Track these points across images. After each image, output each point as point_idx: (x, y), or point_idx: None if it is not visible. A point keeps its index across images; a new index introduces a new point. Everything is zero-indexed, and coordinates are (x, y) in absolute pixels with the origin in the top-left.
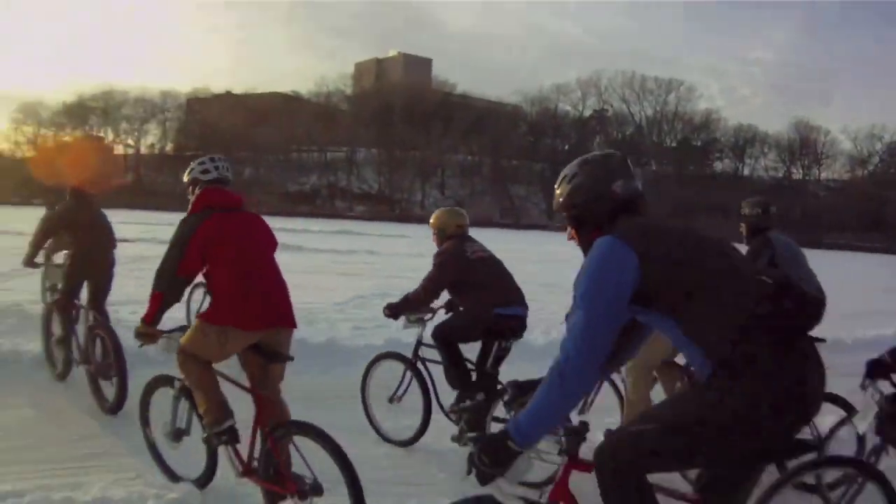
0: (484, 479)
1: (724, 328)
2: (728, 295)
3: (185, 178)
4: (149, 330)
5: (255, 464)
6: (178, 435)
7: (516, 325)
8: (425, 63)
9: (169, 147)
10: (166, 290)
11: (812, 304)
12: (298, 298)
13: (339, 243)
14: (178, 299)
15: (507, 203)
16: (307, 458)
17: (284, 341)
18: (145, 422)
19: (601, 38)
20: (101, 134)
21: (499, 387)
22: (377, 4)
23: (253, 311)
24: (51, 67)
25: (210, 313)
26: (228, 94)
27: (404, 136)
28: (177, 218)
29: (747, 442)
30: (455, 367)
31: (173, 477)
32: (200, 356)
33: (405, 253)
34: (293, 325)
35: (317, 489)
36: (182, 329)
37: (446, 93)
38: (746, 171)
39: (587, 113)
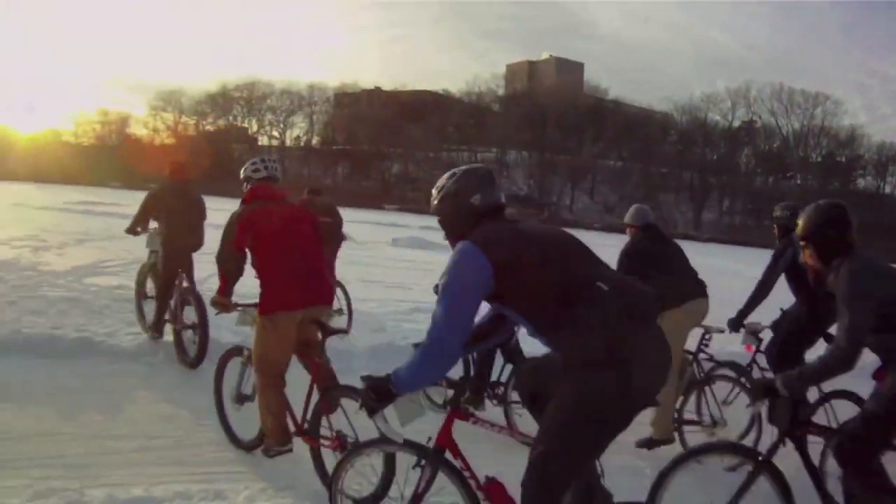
0: (370, 411)
1: (563, 321)
2: (567, 292)
3: (241, 175)
4: (223, 300)
5: (307, 425)
6: (241, 399)
7: None
8: (577, 67)
9: (315, 140)
10: (227, 267)
11: (645, 300)
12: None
13: None
14: (240, 273)
15: (656, 211)
16: (351, 419)
17: (326, 316)
18: (218, 387)
19: (749, 48)
20: (245, 125)
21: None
22: (528, 7)
23: (293, 292)
24: (191, 57)
25: (261, 306)
26: (377, 90)
27: (556, 140)
28: None
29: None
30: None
31: (234, 439)
32: (272, 357)
33: None
34: (330, 302)
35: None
36: (255, 305)
37: (598, 98)
38: (888, 189)
39: (736, 123)
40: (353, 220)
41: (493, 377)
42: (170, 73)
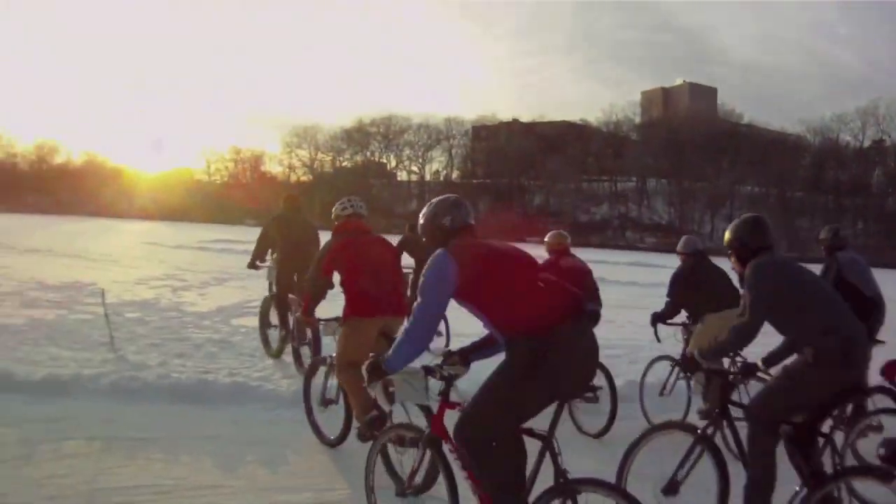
0: (368, 383)
1: (512, 316)
2: (516, 294)
3: (332, 213)
4: (307, 319)
5: None
6: (326, 402)
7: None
8: (711, 92)
9: (455, 174)
10: (314, 290)
11: (576, 300)
12: (615, 335)
13: (637, 275)
14: (323, 296)
15: (792, 236)
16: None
17: (397, 327)
18: (306, 392)
19: (877, 67)
20: (383, 160)
21: None
22: (658, 33)
23: (370, 303)
24: (324, 94)
25: (344, 315)
26: (515, 122)
27: (693, 167)
28: None
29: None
30: None
31: (322, 438)
32: (351, 358)
33: None
34: (402, 314)
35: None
36: (336, 319)
37: (733, 122)
38: None
39: (866, 143)
40: None
41: None
42: (303, 110)
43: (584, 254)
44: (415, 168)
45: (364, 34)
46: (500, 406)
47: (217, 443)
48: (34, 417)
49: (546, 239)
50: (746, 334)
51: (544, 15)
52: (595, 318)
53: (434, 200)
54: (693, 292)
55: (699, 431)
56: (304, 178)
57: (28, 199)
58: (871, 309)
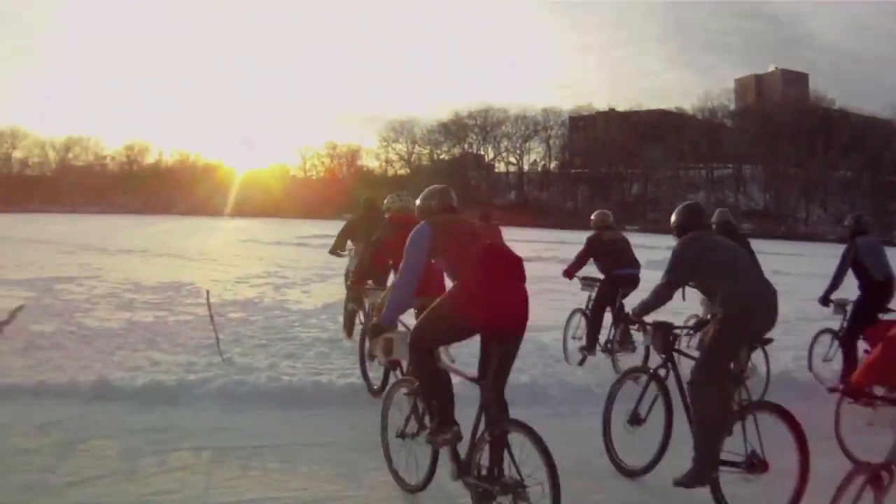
0: (370, 340)
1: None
2: (466, 257)
3: (384, 206)
4: (355, 284)
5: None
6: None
7: (628, 279)
8: (802, 78)
9: (553, 165)
10: (361, 271)
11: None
12: None
13: None
14: (369, 277)
15: (886, 219)
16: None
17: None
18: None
19: None
20: (481, 152)
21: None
22: (749, 20)
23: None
24: (419, 88)
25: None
26: (612, 111)
27: (788, 153)
28: (565, 236)
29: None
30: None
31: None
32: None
33: (810, 273)
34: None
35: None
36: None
37: (825, 108)
38: None
39: None
40: None
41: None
42: (398, 104)
43: None
44: (512, 159)
45: (457, 28)
46: (434, 327)
47: (335, 450)
48: (136, 428)
49: (592, 217)
50: (663, 295)
51: (636, 5)
52: (634, 280)
53: (427, 189)
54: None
55: (651, 371)
56: (401, 172)
57: (118, 200)
58: (882, 287)
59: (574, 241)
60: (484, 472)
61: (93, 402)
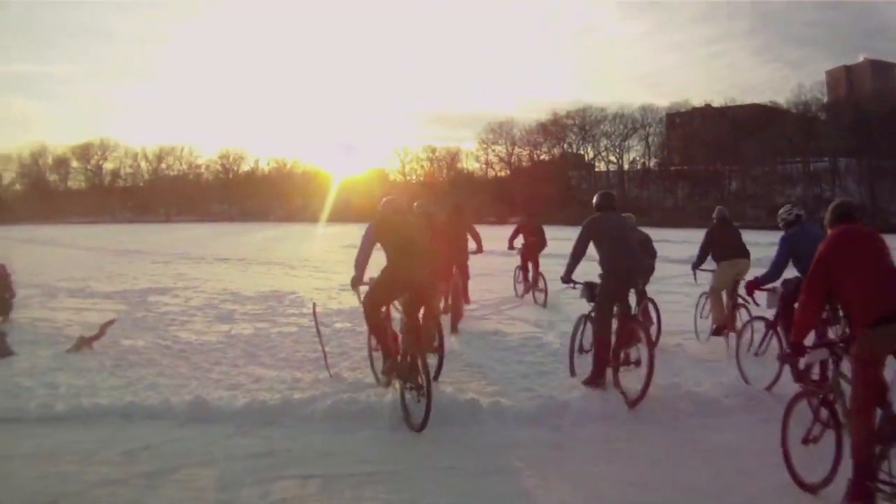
0: (352, 286)
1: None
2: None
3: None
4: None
5: None
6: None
7: (637, 269)
8: (892, 68)
9: (652, 163)
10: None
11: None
12: None
13: None
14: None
15: None
16: None
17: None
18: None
19: None
20: (581, 152)
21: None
22: (835, 11)
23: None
24: (515, 90)
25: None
26: (708, 107)
27: (881, 145)
28: (668, 234)
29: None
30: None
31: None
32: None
33: None
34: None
35: None
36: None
37: None
38: None
39: None
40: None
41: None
42: (495, 105)
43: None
44: (612, 158)
45: (549, 28)
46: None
47: (455, 475)
48: (236, 453)
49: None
50: (572, 260)
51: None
52: (650, 269)
53: (384, 198)
54: (717, 246)
55: (584, 314)
56: (501, 174)
57: (213, 208)
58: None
59: (677, 240)
60: None
61: (187, 425)
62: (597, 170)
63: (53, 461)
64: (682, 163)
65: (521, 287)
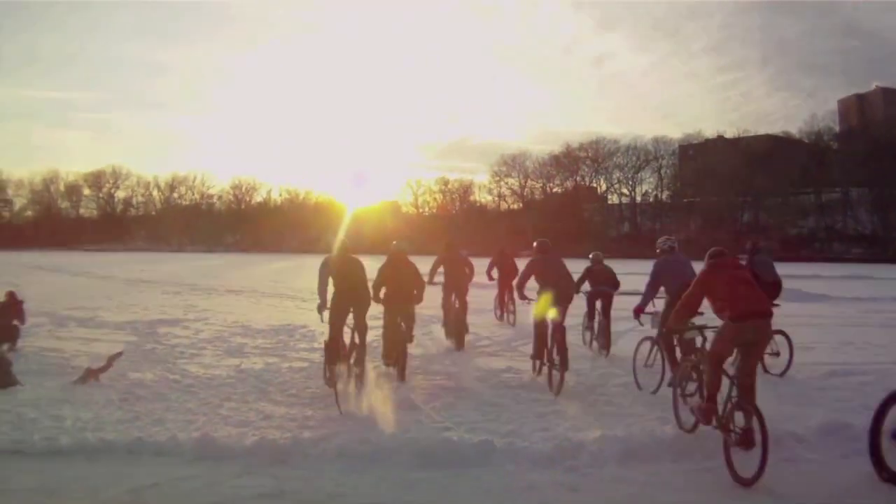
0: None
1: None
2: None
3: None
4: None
5: None
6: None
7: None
8: None
9: (665, 195)
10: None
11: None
12: (861, 356)
13: (857, 289)
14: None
15: None
16: None
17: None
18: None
19: None
20: (594, 184)
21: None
22: (848, 39)
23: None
24: (527, 122)
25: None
26: (720, 138)
27: (893, 172)
28: None
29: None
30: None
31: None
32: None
33: None
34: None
35: None
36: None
37: None
38: None
39: None
40: None
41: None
42: (508, 137)
43: (795, 268)
44: (625, 190)
45: (563, 62)
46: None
47: None
48: (243, 494)
49: (590, 255)
50: (520, 281)
51: (735, 28)
52: (609, 294)
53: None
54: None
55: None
56: (514, 207)
57: (226, 238)
58: (772, 287)
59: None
60: None
61: (195, 463)
62: (609, 202)
63: (58, 498)
64: (694, 194)
65: (499, 311)
